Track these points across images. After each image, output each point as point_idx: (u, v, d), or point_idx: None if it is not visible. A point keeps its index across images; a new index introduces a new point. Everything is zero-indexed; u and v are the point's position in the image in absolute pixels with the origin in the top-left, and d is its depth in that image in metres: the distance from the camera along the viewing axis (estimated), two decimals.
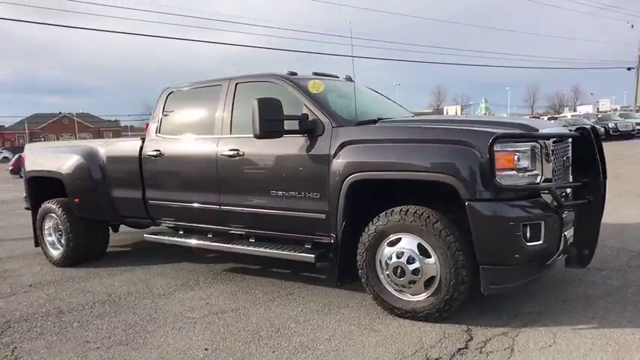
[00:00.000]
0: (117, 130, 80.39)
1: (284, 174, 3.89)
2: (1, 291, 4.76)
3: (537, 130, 3.21)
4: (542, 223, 3.02)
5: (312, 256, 3.81)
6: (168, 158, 4.68)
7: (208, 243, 4.50)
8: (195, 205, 4.51)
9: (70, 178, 5.33)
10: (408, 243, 3.30)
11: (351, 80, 4.93)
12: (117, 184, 5.16)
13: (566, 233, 3.20)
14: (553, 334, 3.05)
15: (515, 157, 3.01)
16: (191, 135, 4.63)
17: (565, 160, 3.40)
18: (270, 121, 3.63)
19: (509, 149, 3.00)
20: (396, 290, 3.41)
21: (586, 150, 3.20)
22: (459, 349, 2.93)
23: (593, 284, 3.91)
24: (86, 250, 5.57)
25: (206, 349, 3.13)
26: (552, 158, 3.18)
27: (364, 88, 5.08)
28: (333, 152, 3.59)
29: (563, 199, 3.22)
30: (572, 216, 3.32)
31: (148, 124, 5.36)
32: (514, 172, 3.02)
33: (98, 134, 72.00)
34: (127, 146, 5.17)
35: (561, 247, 3.15)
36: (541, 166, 3.10)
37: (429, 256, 3.24)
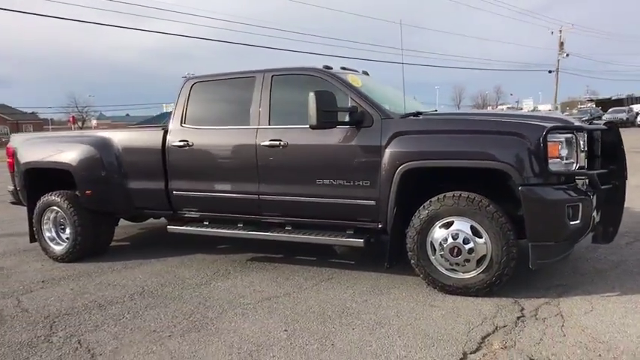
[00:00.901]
0: (38, 123, 74.53)
1: (332, 163, 4.06)
2: (13, 288, 4.51)
3: (572, 124, 3.66)
4: (580, 204, 3.46)
5: (362, 240, 4.03)
6: (198, 149, 4.66)
7: (247, 232, 4.54)
8: (230, 194, 4.55)
9: (80, 170, 5.12)
10: (462, 225, 3.62)
11: (367, 74, 5.18)
12: (134, 175, 5.04)
13: (594, 214, 3.67)
14: (588, 302, 3.51)
15: (560, 147, 3.42)
16: (223, 126, 4.65)
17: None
18: (326, 112, 3.80)
19: (555, 140, 3.41)
20: (447, 269, 3.72)
21: (611, 141, 3.69)
22: (518, 317, 3.30)
23: (597, 260, 4.47)
24: (93, 244, 5.38)
25: (285, 330, 3.26)
26: (584, 148, 3.63)
27: (381, 84, 5.35)
28: (384, 143, 3.82)
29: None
30: (596, 199, 3.80)
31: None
32: (559, 160, 3.43)
33: (17, 127, 66.34)
34: (147, 136, 5.06)
35: (591, 226, 3.61)
36: (576, 155, 3.54)
37: (480, 237, 3.58)
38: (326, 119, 3.82)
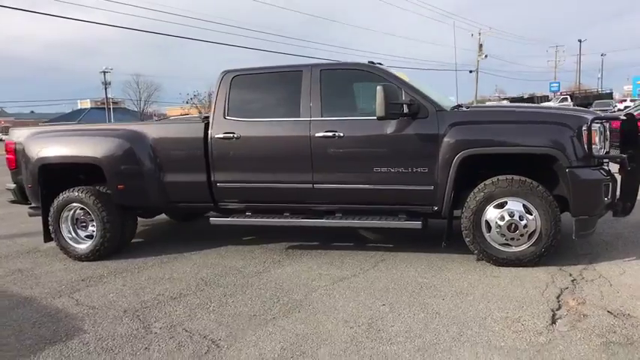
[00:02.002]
0: None
1: (390, 152, 4.37)
2: (55, 288, 4.32)
3: (601, 115, 4.28)
4: (610, 183, 4.08)
5: (419, 223, 4.38)
6: (246, 140, 4.73)
7: (303, 220, 4.70)
8: (282, 184, 4.68)
9: (112, 164, 4.96)
10: (515, 205, 4.10)
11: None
12: (170, 169, 4.97)
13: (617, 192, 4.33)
14: (617, 265, 4.15)
15: (597, 135, 4.02)
16: (273, 118, 4.77)
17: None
18: (393, 104, 4.10)
19: (594, 128, 3.99)
20: (500, 245, 4.19)
21: (629, 129, 4.36)
22: (572, 281, 3.84)
23: (600, 234, 5.18)
24: (119, 240, 5.24)
25: (383, 305, 3.53)
26: (608, 135, 4.27)
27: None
28: (442, 132, 4.21)
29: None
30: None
31: None
32: (595, 146, 4.02)
33: None
34: (186, 129, 5.03)
35: (612, 203, 4.27)
36: (604, 142, 4.17)
37: (531, 214, 4.08)
38: (392, 111, 4.12)
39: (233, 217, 4.92)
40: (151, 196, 5.04)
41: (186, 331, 3.26)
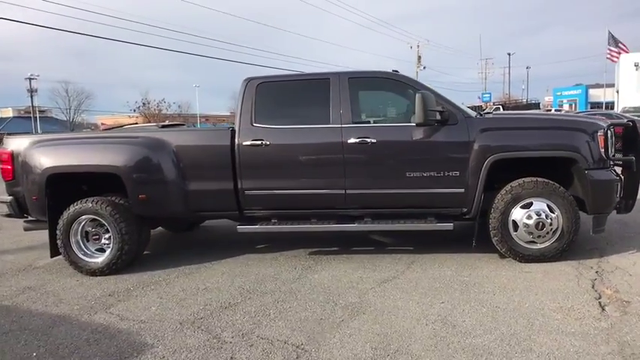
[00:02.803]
0: None
1: (423, 157, 4.57)
2: (81, 305, 4.08)
3: (610, 123, 4.74)
4: (619, 183, 4.54)
5: (451, 224, 4.61)
6: (276, 147, 4.75)
7: (336, 226, 4.77)
8: (313, 190, 4.74)
9: (132, 173, 4.78)
10: (540, 205, 4.44)
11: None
12: (195, 177, 4.87)
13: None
14: (626, 258, 4.59)
15: (608, 140, 4.46)
16: (302, 124, 4.82)
17: None
18: (431, 111, 4.32)
19: (608, 134, 4.43)
20: (526, 242, 4.50)
21: (631, 135, 4.86)
22: (596, 272, 4.22)
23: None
24: (136, 252, 5.04)
25: (442, 302, 3.69)
26: (614, 140, 4.73)
27: None
28: (472, 138, 4.48)
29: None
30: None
31: None
32: (607, 150, 4.46)
33: None
34: (212, 136, 4.95)
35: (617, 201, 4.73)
36: (612, 146, 4.63)
37: (553, 213, 4.44)
38: (430, 118, 4.33)
39: (262, 225, 4.89)
40: (174, 205, 4.90)
41: (262, 338, 3.24)
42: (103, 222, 4.86)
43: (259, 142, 4.74)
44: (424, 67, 54.80)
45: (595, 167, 4.41)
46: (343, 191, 4.69)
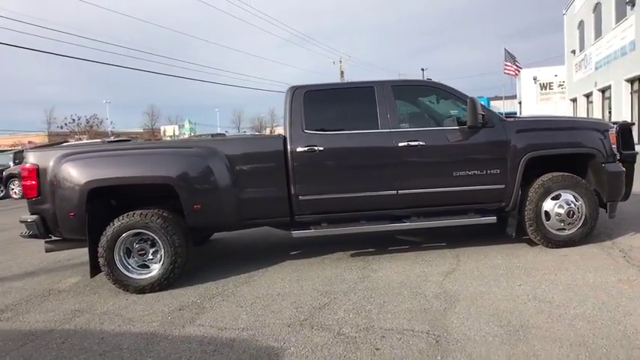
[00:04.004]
0: None
1: (468, 157, 4.99)
2: (159, 320, 3.93)
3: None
4: (624, 174, 5.30)
5: (494, 218, 5.06)
6: (329, 153, 4.90)
7: (388, 225, 5.00)
8: (366, 193, 4.94)
9: (187, 182, 4.67)
10: (568, 196, 5.05)
11: None
12: (248, 185, 4.86)
13: None
14: (634, 239, 5.34)
15: (619, 137, 5.21)
16: (352, 130, 5.02)
17: None
18: (480, 114, 4.76)
19: (618, 132, 5.18)
20: (556, 230, 5.08)
21: (626, 134, 5.66)
22: (620, 250, 4.89)
23: None
24: (184, 265, 4.89)
25: (520, 285, 4.09)
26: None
27: None
28: (509, 138, 4.99)
29: None
30: None
31: None
32: (618, 146, 5.21)
33: None
34: (264, 144, 4.97)
35: None
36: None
37: (578, 202, 5.07)
38: (479, 120, 4.77)
39: (316, 229, 4.99)
40: (227, 214, 4.84)
41: (387, 329, 3.38)
42: (151, 236, 4.67)
43: (313, 148, 4.87)
44: None
45: (609, 161, 5.12)
46: (395, 192, 4.96)
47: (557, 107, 36.41)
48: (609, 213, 5.20)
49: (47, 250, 5.10)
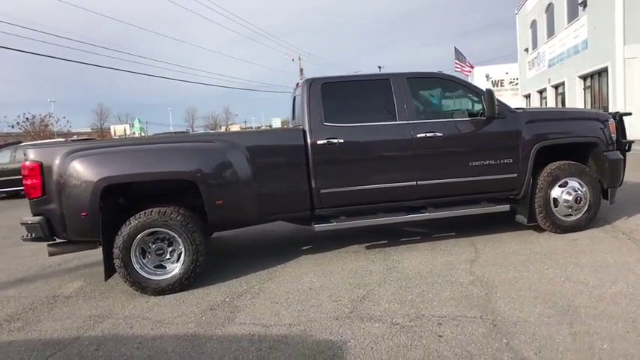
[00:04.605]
0: None
1: (482, 148, 5.10)
2: (194, 321, 3.78)
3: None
4: (623, 162, 5.60)
5: (508, 206, 5.21)
6: (350, 145, 4.87)
7: (407, 216, 5.04)
8: (387, 185, 4.95)
9: (209, 177, 4.50)
10: (575, 183, 5.28)
11: None
12: (269, 179, 4.75)
13: None
14: (630, 222, 5.65)
15: (618, 127, 5.50)
16: (371, 122, 5.01)
17: None
18: (497, 105, 4.88)
19: (617, 122, 5.47)
20: (563, 216, 5.30)
21: (619, 125, 5.97)
22: (623, 233, 5.17)
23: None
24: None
25: (547, 268, 4.23)
26: None
27: None
28: (520, 128, 5.15)
29: None
30: None
31: None
32: (618, 135, 5.50)
33: None
34: (284, 136, 4.86)
35: None
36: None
37: (583, 188, 5.32)
38: (496, 111, 4.89)
39: (337, 222, 4.95)
40: (249, 209, 4.71)
41: (440, 316, 3.39)
42: (168, 234, 4.48)
43: (333, 141, 4.82)
44: None
45: (609, 149, 5.40)
46: (415, 183, 5.00)
47: (509, 103, 37.97)
48: (610, 198, 5.48)
49: (51, 254, 4.77)
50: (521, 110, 5.43)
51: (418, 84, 5.28)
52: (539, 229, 5.48)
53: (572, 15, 20.74)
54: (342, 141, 4.84)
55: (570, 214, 5.31)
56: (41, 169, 4.43)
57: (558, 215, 5.29)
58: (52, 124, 37.78)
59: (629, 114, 5.74)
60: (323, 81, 5.04)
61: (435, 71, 5.41)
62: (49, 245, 4.74)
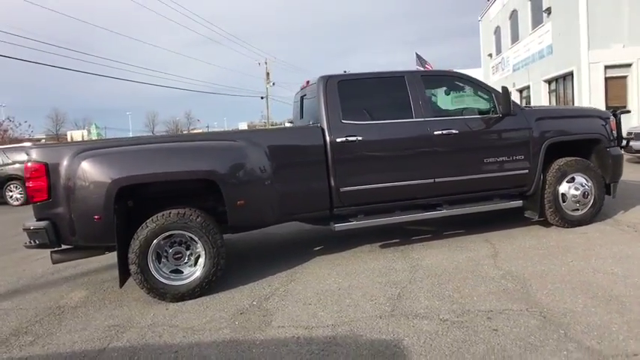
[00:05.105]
0: None
1: (496, 144, 5.17)
2: (228, 327, 3.61)
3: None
4: (624, 157, 5.82)
5: (520, 202, 5.29)
6: (369, 143, 4.81)
7: (425, 214, 5.03)
8: (405, 182, 4.92)
9: (231, 176, 4.33)
10: (581, 179, 5.43)
11: None
12: (289, 177, 4.63)
13: None
14: (628, 214, 5.87)
15: (619, 124, 5.71)
16: (387, 120, 4.97)
17: None
18: (512, 103, 4.96)
19: (617, 119, 5.67)
20: (571, 211, 5.44)
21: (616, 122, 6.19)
22: (628, 226, 5.35)
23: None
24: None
25: (572, 261, 4.30)
26: None
27: None
28: (531, 126, 5.25)
29: None
30: None
31: None
32: (618, 132, 5.70)
33: None
34: (303, 134, 4.74)
35: None
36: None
37: (589, 183, 5.48)
38: (512, 108, 4.97)
39: (357, 221, 4.87)
40: (270, 209, 4.57)
41: (486, 311, 3.37)
42: (185, 237, 4.28)
43: (352, 139, 4.75)
44: (273, 84, 56.56)
45: (611, 145, 5.59)
46: (432, 180, 5.00)
47: None
48: (612, 193, 5.67)
49: (55, 261, 4.46)
50: (529, 108, 5.54)
51: (431, 81, 5.29)
52: (545, 224, 5.60)
53: (537, 21, 21.59)
54: (360, 139, 4.78)
55: (577, 209, 5.45)
56: (47, 170, 4.13)
57: (566, 210, 5.42)
58: (11, 129, 35.74)
59: (628, 111, 5.98)
60: (339, 78, 4.97)
61: (452, 70, 5.44)
62: (53, 252, 4.43)
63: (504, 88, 5.00)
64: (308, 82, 5.47)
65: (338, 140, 4.72)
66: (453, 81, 5.42)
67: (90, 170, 4.09)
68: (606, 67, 16.63)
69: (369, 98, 5.12)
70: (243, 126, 70.29)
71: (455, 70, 5.53)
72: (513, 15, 25.22)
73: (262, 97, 54.87)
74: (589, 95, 16.63)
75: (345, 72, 5.17)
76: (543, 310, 3.31)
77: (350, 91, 4.96)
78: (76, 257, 4.55)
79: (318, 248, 5.64)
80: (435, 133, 4.96)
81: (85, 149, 4.21)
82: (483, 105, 5.34)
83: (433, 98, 5.40)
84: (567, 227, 5.43)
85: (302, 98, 5.80)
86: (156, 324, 3.76)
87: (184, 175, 4.23)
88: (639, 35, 15.94)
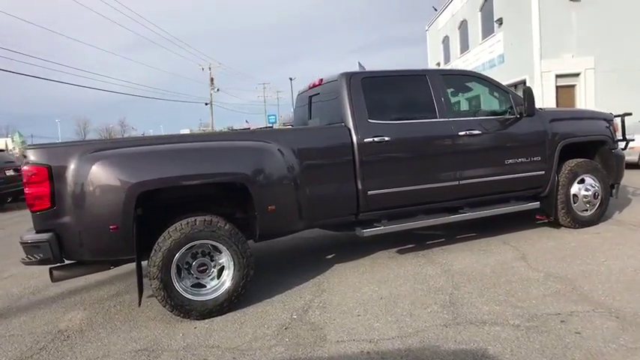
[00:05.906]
0: None
1: (516, 145, 5.14)
2: (281, 344, 3.28)
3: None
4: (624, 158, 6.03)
5: (537, 203, 5.29)
6: (396, 143, 4.61)
7: (449, 217, 4.89)
8: (432, 184, 4.76)
9: (261, 180, 3.98)
10: (591, 180, 5.54)
11: None
12: (318, 180, 4.33)
13: None
14: (631, 215, 6.08)
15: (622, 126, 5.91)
16: (412, 119, 4.81)
17: None
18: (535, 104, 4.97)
19: (620, 122, 5.87)
20: (580, 211, 5.53)
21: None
22: (633, 225, 5.53)
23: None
24: None
25: (604, 261, 4.32)
26: None
27: None
28: (547, 127, 5.29)
29: None
30: None
31: None
32: (623, 133, 5.90)
33: None
34: (330, 135, 4.45)
35: None
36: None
37: (597, 184, 5.60)
38: (535, 109, 4.98)
39: (385, 225, 4.65)
40: (300, 215, 4.24)
41: (557, 314, 3.27)
42: (212, 247, 3.87)
43: (380, 139, 4.54)
44: (218, 89, 55.13)
45: (615, 147, 5.77)
46: (457, 182, 4.88)
47: None
48: (616, 193, 5.84)
49: (56, 279, 3.88)
50: (541, 109, 5.60)
51: (453, 81, 5.21)
52: (553, 225, 5.68)
53: (488, 31, 22.56)
54: (388, 139, 4.57)
55: (586, 210, 5.56)
56: (50, 175, 3.58)
57: (577, 211, 5.51)
58: None
59: (630, 114, 6.20)
60: (362, 75, 4.75)
61: (470, 70, 5.38)
62: (54, 269, 3.85)
63: (528, 89, 5.00)
64: (321, 80, 5.20)
65: (365, 141, 4.49)
66: (471, 80, 5.37)
67: (105, 173, 3.59)
68: (557, 76, 17.60)
69: (392, 96, 4.94)
70: (185, 132, 68.02)
71: (473, 70, 5.49)
72: (463, 25, 26.22)
73: (206, 104, 53.43)
74: (542, 103, 17.52)
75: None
76: (612, 311, 3.25)
77: (374, 89, 4.75)
78: (80, 273, 4.00)
79: (330, 256, 5.36)
80: (460, 133, 4.86)
81: (96, 150, 3.70)
82: (501, 105, 5.32)
83: (455, 98, 5.31)
84: (577, 228, 5.51)
85: (310, 98, 5.52)
86: (191, 346, 3.33)
87: (211, 177, 3.82)
88: (587, 46, 17.02)
